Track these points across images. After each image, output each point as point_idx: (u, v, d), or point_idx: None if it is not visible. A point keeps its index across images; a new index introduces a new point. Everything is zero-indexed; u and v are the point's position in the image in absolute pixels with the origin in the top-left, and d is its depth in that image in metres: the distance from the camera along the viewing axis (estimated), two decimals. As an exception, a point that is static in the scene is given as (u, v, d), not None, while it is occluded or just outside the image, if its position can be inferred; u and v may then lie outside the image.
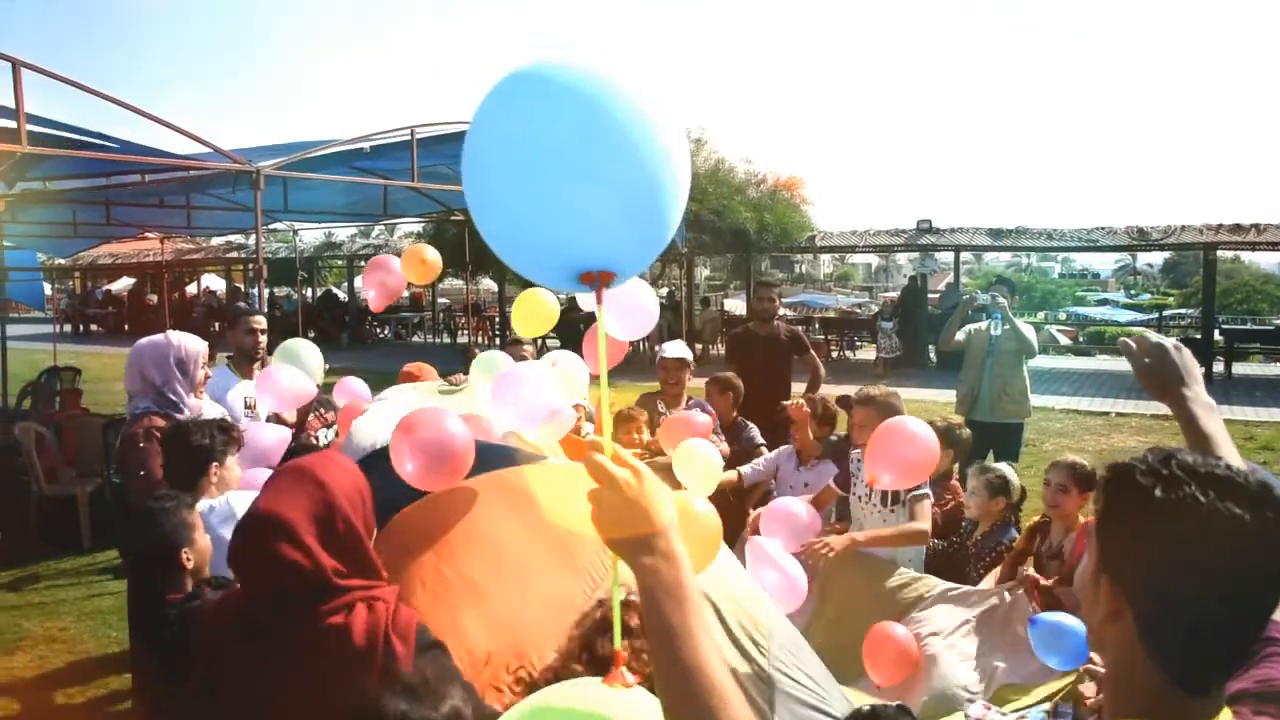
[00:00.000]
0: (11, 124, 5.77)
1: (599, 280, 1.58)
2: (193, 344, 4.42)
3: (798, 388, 7.33)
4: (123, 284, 38.80)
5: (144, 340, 4.39)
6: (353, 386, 5.62)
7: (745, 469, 5.72)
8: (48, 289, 32.05)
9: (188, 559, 3.04)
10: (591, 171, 1.49)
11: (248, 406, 5.32)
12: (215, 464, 3.66)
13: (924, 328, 20.13)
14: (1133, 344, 1.92)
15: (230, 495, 3.58)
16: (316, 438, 5.75)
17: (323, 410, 5.92)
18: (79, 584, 7.00)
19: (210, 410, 4.50)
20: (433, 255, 5.77)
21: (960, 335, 7.74)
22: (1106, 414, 14.22)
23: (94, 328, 35.26)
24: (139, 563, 3.16)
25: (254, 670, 2.01)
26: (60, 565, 7.60)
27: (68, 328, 34.60)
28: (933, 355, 19.53)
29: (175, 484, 3.55)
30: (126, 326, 33.27)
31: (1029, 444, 7.84)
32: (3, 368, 11.86)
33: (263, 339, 5.55)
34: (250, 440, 4.30)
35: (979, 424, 7.42)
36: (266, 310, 7.85)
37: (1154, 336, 1.92)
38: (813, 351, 7.55)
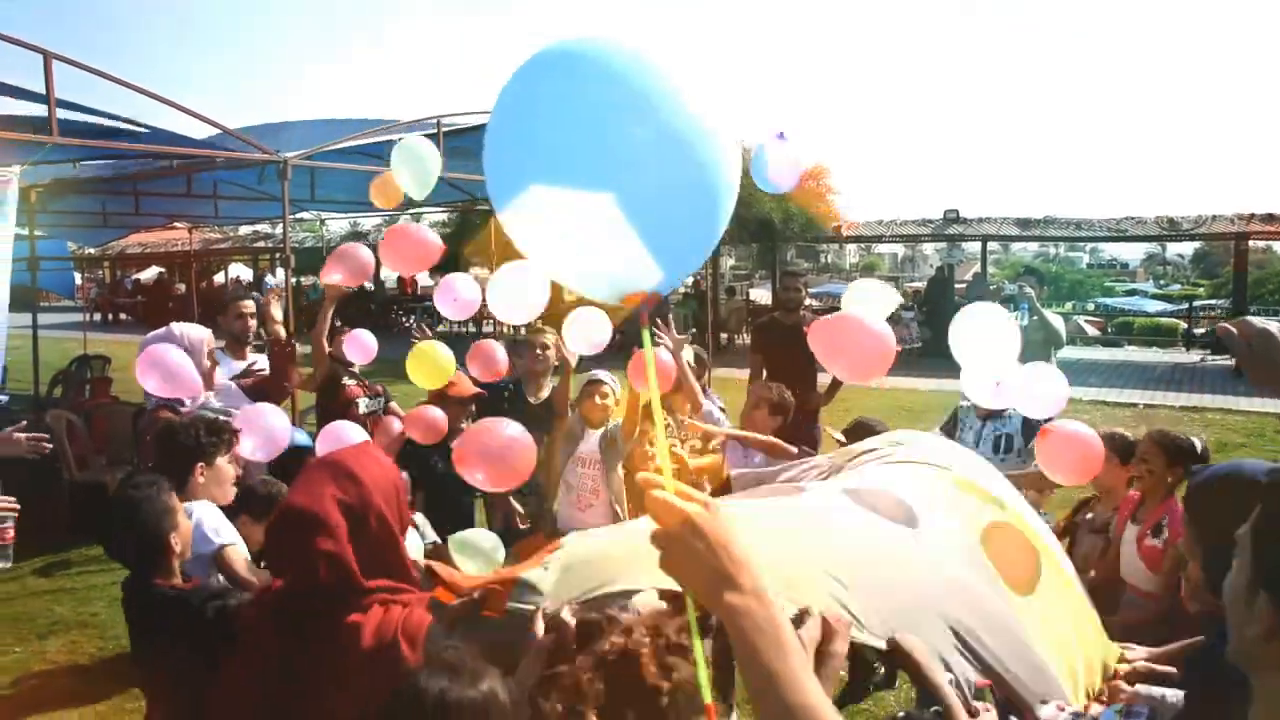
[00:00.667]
0: (43, 109, 5.81)
1: (645, 302, 1.46)
2: (196, 334, 4.43)
3: (823, 378, 7.29)
4: (151, 273, 39.10)
5: (150, 335, 4.39)
6: (362, 339, 5.69)
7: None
8: (77, 278, 32.38)
9: (175, 544, 3.02)
10: (652, 200, 1.38)
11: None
12: (202, 464, 3.59)
13: (950, 318, 19.96)
14: (1234, 330, 1.74)
15: (196, 506, 3.50)
16: (358, 404, 5.80)
17: (361, 380, 5.98)
18: (109, 570, 7.02)
19: (219, 399, 4.48)
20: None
21: None
22: (1135, 406, 14.09)
23: (123, 316, 35.56)
24: (125, 552, 3.12)
25: (286, 664, 2.01)
26: (90, 552, 7.66)
27: (97, 316, 34.92)
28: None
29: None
30: (154, 315, 33.57)
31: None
32: (34, 356, 11.96)
33: (252, 323, 5.87)
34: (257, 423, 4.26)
35: (1006, 416, 7.37)
36: (293, 299, 7.88)
37: (1258, 322, 1.73)
38: (839, 341, 7.49)
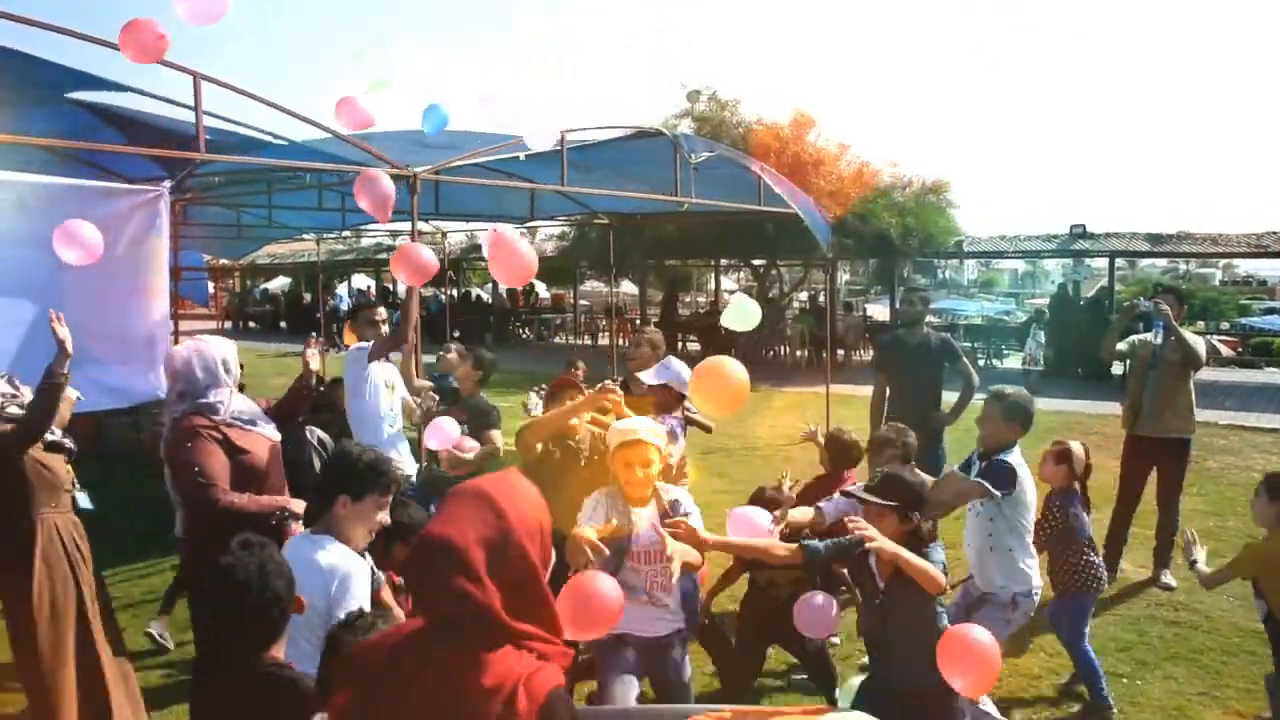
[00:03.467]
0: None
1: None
2: (225, 347, 4.50)
3: (949, 396, 7.16)
4: (278, 283, 40.50)
5: (180, 348, 4.46)
6: (445, 429, 5.77)
7: (825, 504, 4.50)
8: (210, 288, 33.66)
9: (299, 608, 2.85)
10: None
11: (387, 386, 6.10)
12: (349, 497, 3.39)
13: (1074, 337, 19.46)
14: None
15: (341, 558, 3.30)
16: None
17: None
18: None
19: (239, 405, 4.46)
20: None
21: (1123, 345, 7.43)
22: (1275, 430, 13.47)
23: (252, 324, 36.86)
24: (237, 621, 2.77)
25: (406, 695, 1.92)
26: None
27: (228, 324, 36.28)
28: (1093, 365, 18.87)
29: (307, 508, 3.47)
30: (283, 324, 34.69)
31: (1191, 461, 7.45)
32: (173, 362, 12.40)
33: (384, 328, 6.37)
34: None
35: (1142, 439, 7.11)
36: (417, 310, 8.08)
37: None
38: (965, 359, 7.35)
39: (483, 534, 1.87)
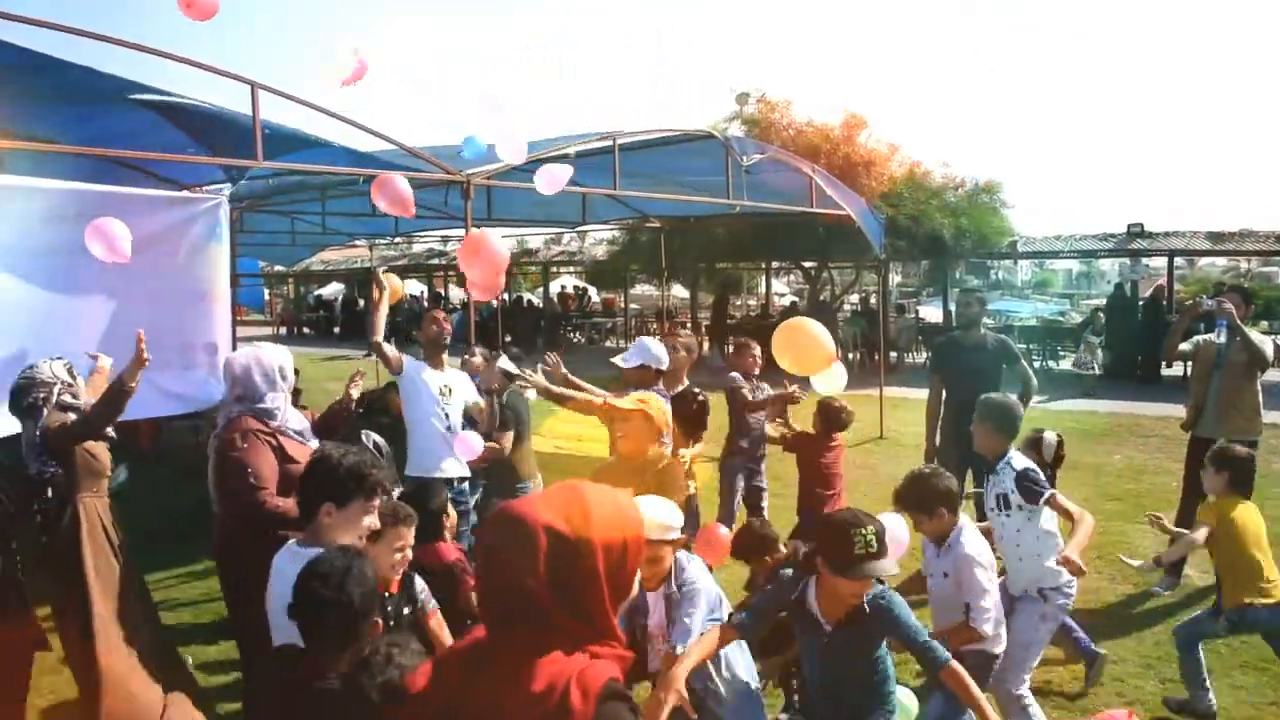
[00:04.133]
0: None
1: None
2: (282, 355, 4.57)
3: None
4: (332, 289, 41.00)
5: (239, 354, 4.53)
6: (470, 442, 5.88)
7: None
8: (265, 294, 34.18)
9: (375, 627, 2.82)
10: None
11: (441, 393, 6.07)
12: (333, 505, 3.29)
13: (1133, 337, 19.15)
14: None
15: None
16: None
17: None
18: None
19: (294, 421, 4.54)
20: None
21: (1186, 345, 7.27)
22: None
23: (306, 331, 37.33)
24: (311, 619, 2.77)
25: (466, 692, 1.90)
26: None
27: (282, 330, 36.78)
28: (1151, 366, 18.58)
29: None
30: (337, 329, 35.09)
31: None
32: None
33: (447, 327, 6.35)
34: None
35: (1206, 441, 6.96)
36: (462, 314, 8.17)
37: None
38: (1023, 362, 7.25)
39: (557, 529, 1.82)
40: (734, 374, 7.03)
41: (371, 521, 3.37)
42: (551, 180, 6.70)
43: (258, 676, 3.09)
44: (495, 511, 1.92)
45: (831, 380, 6.55)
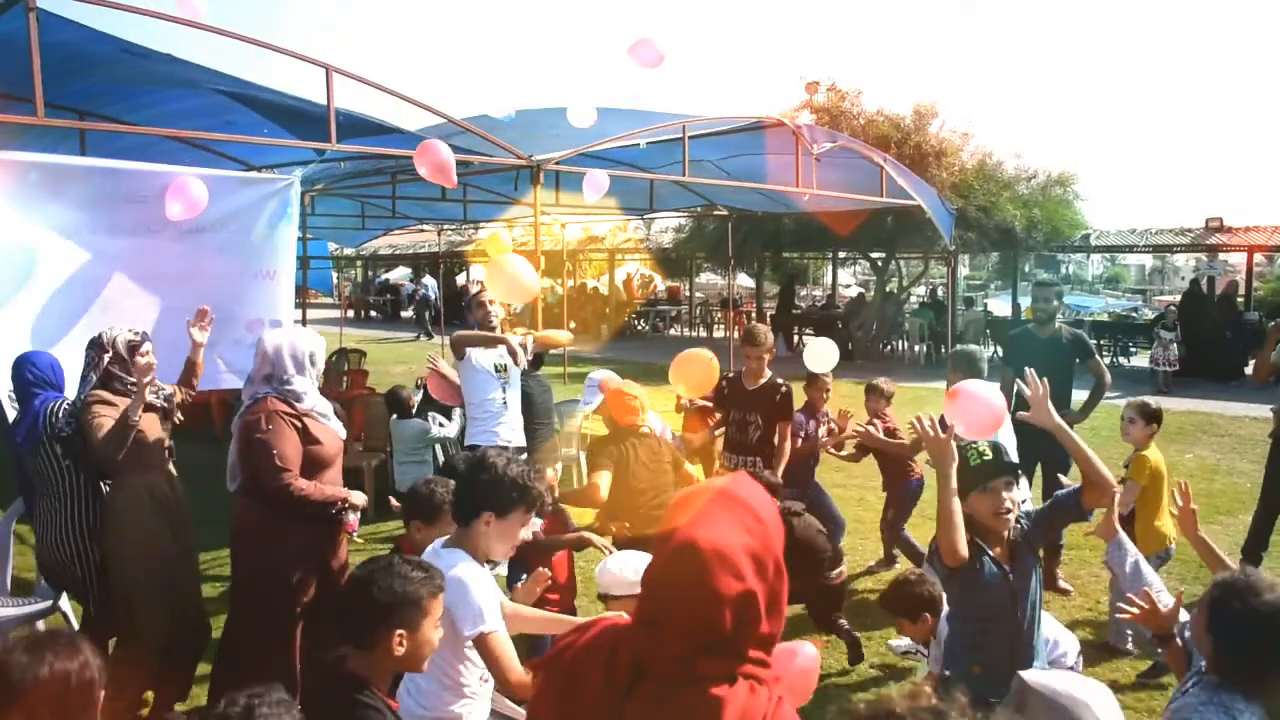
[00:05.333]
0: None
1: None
2: (314, 340, 4.54)
3: (1078, 395, 6.93)
4: (399, 273, 41.41)
5: (272, 334, 4.51)
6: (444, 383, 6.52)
7: None
8: (334, 278, 34.68)
9: (400, 643, 2.59)
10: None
11: (497, 370, 6.23)
12: (494, 514, 3.24)
13: (1209, 335, 18.68)
14: None
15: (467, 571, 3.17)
16: None
17: None
18: (364, 550, 7.43)
19: (319, 403, 4.52)
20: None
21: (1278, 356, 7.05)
22: None
23: (373, 314, 37.77)
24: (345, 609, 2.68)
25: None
26: (349, 533, 8.16)
27: (350, 313, 37.26)
28: (1226, 365, 18.13)
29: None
30: (404, 313, 35.48)
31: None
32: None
33: (492, 310, 6.37)
34: None
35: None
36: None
37: None
38: (1097, 357, 7.09)
39: (747, 545, 1.66)
40: (799, 415, 6.86)
41: (526, 534, 3.38)
42: (596, 186, 6.93)
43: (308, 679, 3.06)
44: (673, 542, 1.70)
45: (820, 356, 6.97)
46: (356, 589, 2.64)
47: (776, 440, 6.30)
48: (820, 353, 7.00)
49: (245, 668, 3.99)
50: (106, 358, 4.57)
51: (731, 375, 6.58)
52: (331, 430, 4.53)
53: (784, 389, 6.32)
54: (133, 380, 4.48)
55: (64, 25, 5.60)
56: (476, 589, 3.12)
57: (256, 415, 4.31)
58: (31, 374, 4.87)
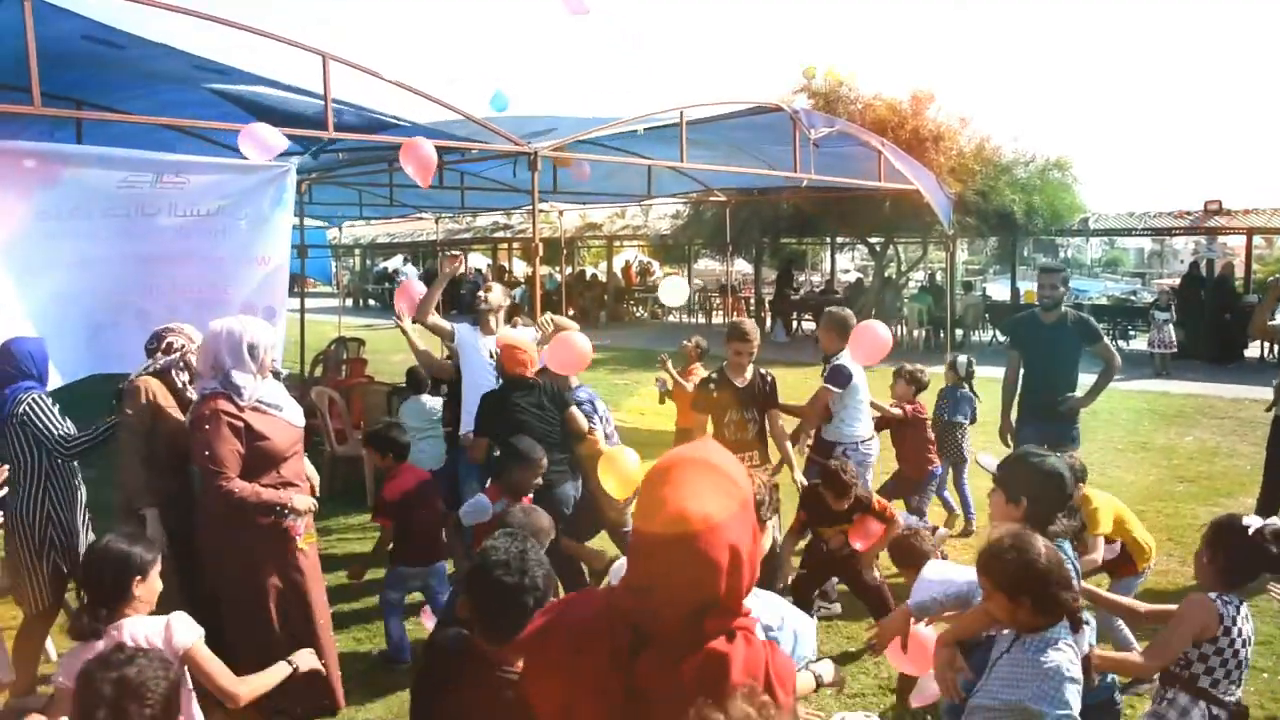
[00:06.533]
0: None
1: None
2: (258, 330, 4.45)
3: (1085, 379, 6.91)
4: (396, 261, 41.36)
5: (215, 324, 4.45)
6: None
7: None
8: (332, 266, 34.61)
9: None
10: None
11: (491, 356, 6.50)
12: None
13: (1206, 318, 18.71)
14: None
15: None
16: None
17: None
18: (365, 538, 7.44)
19: (271, 393, 4.46)
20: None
21: (1277, 321, 7.05)
22: None
23: (372, 303, 37.73)
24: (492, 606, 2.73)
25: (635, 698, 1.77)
26: (348, 520, 8.18)
27: (349, 301, 37.23)
28: (1225, 347, 18.15)
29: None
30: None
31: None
32: (301, 338, 12.79)
33: (490, 298, 6.81)
34: None
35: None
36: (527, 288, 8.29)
37: None
38: (1105, 341, 7.06)
39: (730, 508, 1.74)
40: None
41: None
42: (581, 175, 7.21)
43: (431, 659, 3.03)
44: (663, 515, 1.75)
45: (673, 292, 9.11)
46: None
47: (768, 425, 6.40)
48: (671, 289, 9.19)
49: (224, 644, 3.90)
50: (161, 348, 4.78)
51: (716, 376, 6.41)
52: (283, 422, 4.45)
53: (770, 378, 6.45)
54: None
55: (61, 15, 5.59)
56: None
57: (200, 411, 4.28)
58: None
